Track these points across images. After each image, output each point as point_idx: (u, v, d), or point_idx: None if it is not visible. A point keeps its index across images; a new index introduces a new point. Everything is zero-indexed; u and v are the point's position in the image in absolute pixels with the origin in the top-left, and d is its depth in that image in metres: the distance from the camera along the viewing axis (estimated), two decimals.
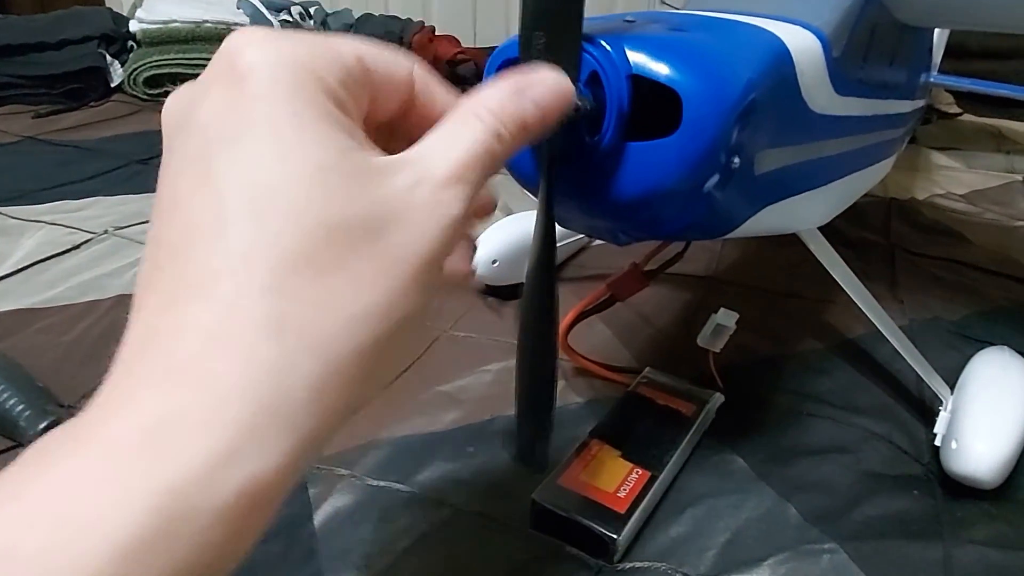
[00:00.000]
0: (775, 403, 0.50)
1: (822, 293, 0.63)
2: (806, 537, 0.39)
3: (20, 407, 0.42)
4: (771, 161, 0.37)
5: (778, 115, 0.36)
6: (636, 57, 0.29)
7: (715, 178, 0.31)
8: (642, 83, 0.29)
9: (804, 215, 0.47)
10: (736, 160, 0.32)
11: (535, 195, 0.36)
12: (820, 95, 0.41)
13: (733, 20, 0.36)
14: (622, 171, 0.31)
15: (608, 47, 0.29)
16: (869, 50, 0.50)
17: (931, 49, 0.80)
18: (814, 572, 0.37)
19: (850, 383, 0.53)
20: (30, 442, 0.41)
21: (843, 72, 0.44)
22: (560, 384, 0.51)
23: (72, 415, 0.42)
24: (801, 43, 0.38)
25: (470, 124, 0.21)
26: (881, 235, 0.77)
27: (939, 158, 1.04)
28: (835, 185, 0.50)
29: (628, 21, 0.33)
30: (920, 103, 0.76)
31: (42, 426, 0.41)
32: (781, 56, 0.35)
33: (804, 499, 0.41)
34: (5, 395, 0.43)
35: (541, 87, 0.22)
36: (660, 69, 0.29)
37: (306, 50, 0.19)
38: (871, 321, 0.52)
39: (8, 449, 0.42)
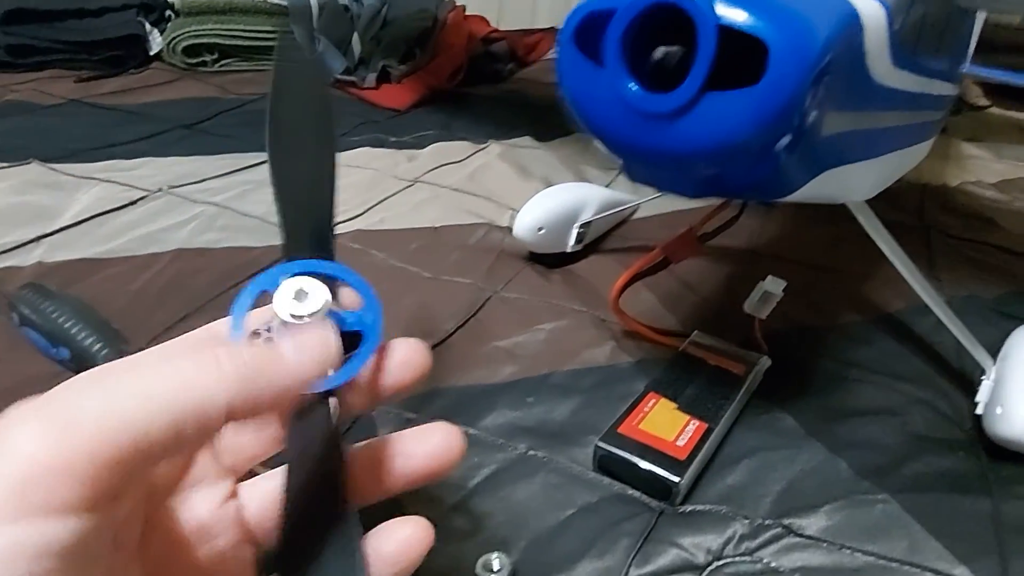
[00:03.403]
0: (820, 368, 0.52)
1: (861, 268, 0.65)
2: (859, 488, 0.40)
3: (97, 345, 0.44)
4: (833, 125, 0.38)
5: (845, 78, 0.37)
6: (723, 9, 0.30)
7: (788, 135, 0.33)
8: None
9: (855, 185, 0.48)
10: (810, 118, 0.33)
11: (614, 158, 0.38)
12: (881, 64, 0.42)
13: None
14: (700, 121, 0.32)
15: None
16: (923, 28, 0.51)
17: (970, 37, 0.81)
18: (868, 519, 0.38)
19: (891, 353, 0.54)
20: None
21: (901, 45, 0.45)
22: (610, 345, 0.52)
23: None
24: (868, 9, 0.39)
25: None
26: (916, 217, 0.78)
27: (969, 148, 1.05)
28: (884, 159, 0.51)
29: None
30: (956, 90, 0.77)
31: None
32: (852, 20, 0.37)
33: (854, 455, 0.43)
34: (83, 334, 0.44)
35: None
36: (748, 20, 0.30)
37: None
38: (910, 296, 0.53)
39: None
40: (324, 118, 0.27)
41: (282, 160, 0.26)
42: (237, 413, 0.18)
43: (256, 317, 0.23)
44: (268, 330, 0.22)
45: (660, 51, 0.31)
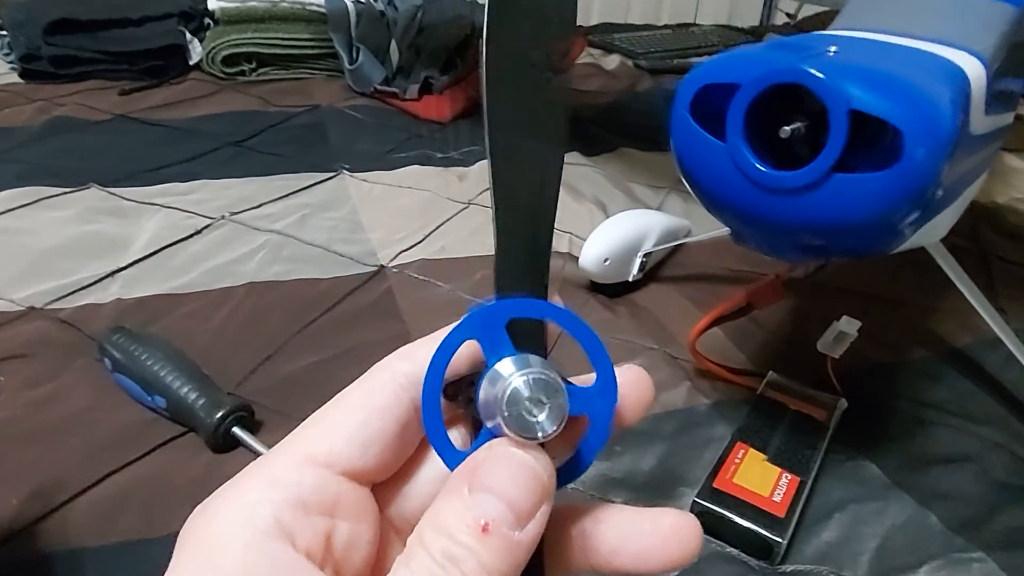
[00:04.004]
0: (896, 410, 0.52)
1: (923, 299, 0.65)
2: (953, 545, 0.41)
3: (194, 395, 0.44)
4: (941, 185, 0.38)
5: (957, 141, 0.37)
6: (856, 93, 0.30)
7: (917, 212, 0.33)
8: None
9: (938, 230, 0.49)
10: (939, 194, 0.33)
11: (724, 224, 0.38)
12: (977, 117, 0.42)
13: (924, 50, 0.37)
14: (826, 200, 0.32)
15: (828, 81, 0.30)
16: (1005, 72, 0.51)
17: None
18: None
19: (964, 392, 0.54)
20: (207, 430, 0.43)
21: (990, 93, 0.45)
22: (686, 385, 0.53)
23: (238, 404, 0.43)
24: (973, 72, 0.39)
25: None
26: (971, 240, 0.78)
27: (1012, 160, 1.04)
28: (962, 198, 0.51)
29: (832, 50, 0.34)
30: None
31: (218, 415, 0.43)
32: (966, 88, 0.37)
33: (943, 507, 0.43)
34: (178, 383, 0.44)
35: (502, 472, 0.17)
36: (881, 106, 0.30)
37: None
38: (976, 329, 0.53)
39: (182, 435, 0.44)
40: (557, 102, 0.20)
41: (506, 153, 0.19)
42: None
43: (454, 369, 0.19)
44: (471, 385, 0.19)
45: (785, 131, 0.31)
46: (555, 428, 0.18)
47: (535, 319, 0.19)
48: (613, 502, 0.42)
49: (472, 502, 0.17)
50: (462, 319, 0.18)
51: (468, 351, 0.19)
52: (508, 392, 0.18)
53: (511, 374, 0.18)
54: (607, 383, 0.19)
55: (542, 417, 0.17)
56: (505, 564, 0.16)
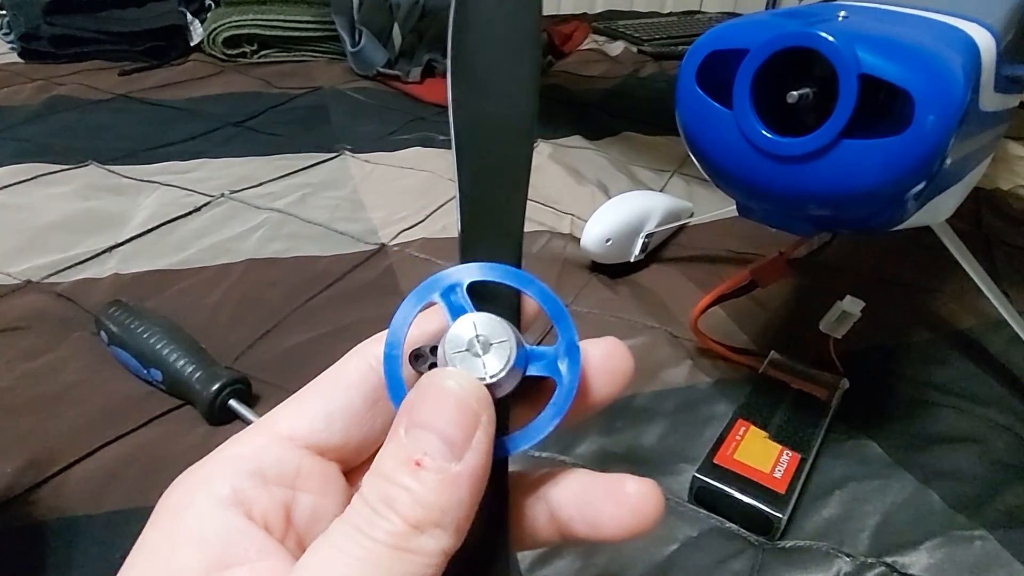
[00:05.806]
0: (898, 390, 0.51)
1: (927, 282, 0.64)
2: (954, 523, 0.40)
3: (191, 368, 0.44)
4: (949, 159, 0.38)
5: (966, 114, 0.37)
6: (867, 57, 0.30)
7: (925, 181, 0.32)
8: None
9: (943, 209, 0.48)
10: (947, 163, 0.32)
11: (730, 195, 0.37)
12: (987, 93, 0.41)
13: (935, 20, 0.37)
14: (834, 167, 0.31)
15: (839, 45, 0.30)
16: (1016, 48, 0.50)
17: None
18: (968, 558, 0.38)
19: (967, 374, 0.54)
20: (203, 403, 0.42)
21: (1000, 69, 0.44)
22: (687, 364, 0.52)
23: (235, 377, 0.43)
24: (984, 43, 0.38)
25: (344, 545, 0.16)
26: (973, 225, 0.77)
27: (1016, 148, 1.04)
28: (967, 178, 0.51)
29: (842, 16, 0.33)
30: None
31: (215, 388, 0.42)
32: (976, 58, 0.36)
33: (944, 486, 0.43)
34: (175, 356, 0.44)
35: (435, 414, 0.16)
36: (893, 70, 0.30)
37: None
38: (980, 312, 0.53)
39: (178, 408, 0.44)
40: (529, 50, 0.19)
41: (470, 111, 0.19)
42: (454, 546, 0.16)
43: (420, 329, 0.19)
44: (432, 353, 0.19)
45: (793, 96, 0.31)
46: (501, 367, 0.17)
47: (511, 290, 0.19)
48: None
49: (407, 440, 0.16)
50: (423, 282, 0.19)
51: (438, 327, 0.19)
52: (452, 332, 0.18)
53: (460, 320, 0.18)
54: (570, 344, 0.19)
55: (487, 357, 0.17)
56: (443, 499, 0.16)
